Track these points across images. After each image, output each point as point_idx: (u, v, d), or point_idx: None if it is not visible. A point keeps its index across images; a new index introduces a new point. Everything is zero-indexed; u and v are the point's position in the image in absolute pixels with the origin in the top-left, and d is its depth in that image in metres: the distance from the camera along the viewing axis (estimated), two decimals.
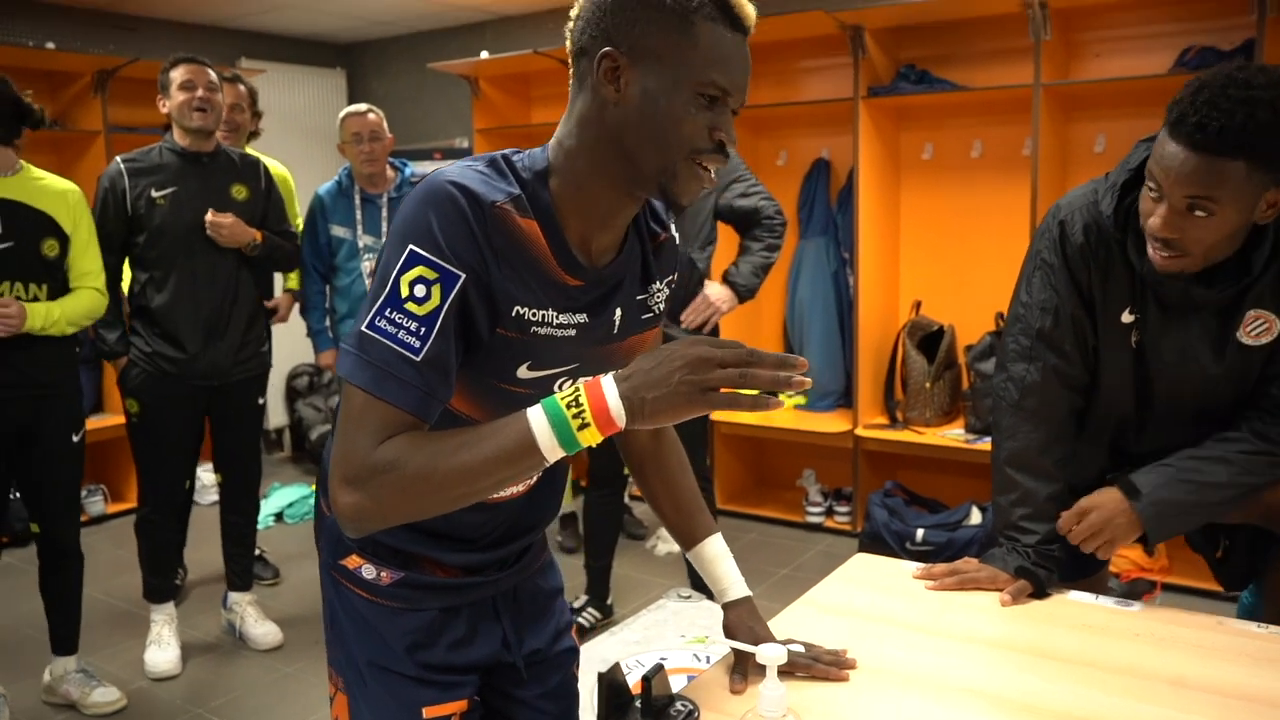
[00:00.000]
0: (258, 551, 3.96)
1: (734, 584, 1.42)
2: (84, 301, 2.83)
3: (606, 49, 1.07)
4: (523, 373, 1.15)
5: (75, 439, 2.89)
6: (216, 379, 3.22)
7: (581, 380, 1.02)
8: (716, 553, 1.43)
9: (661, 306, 1.29)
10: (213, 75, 3.16)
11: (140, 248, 3.11)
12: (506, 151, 1.15)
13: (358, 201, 3.78)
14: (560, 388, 1.19)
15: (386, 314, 1.03)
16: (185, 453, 3.28)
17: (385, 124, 3.77)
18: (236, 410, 3.33)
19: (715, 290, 3.12)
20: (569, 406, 0.99)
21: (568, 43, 1.14)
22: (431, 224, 1.04)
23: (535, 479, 1.31)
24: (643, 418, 0.98)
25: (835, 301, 4.61)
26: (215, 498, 4.96)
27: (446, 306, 1.04)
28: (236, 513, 3.46)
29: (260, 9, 5.52)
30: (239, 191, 3.23)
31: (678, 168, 1.08)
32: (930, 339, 4.31)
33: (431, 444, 1.02)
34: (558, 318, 1.13)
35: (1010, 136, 4.21)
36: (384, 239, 3.76)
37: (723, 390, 0.98)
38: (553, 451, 1.00)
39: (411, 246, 1.04)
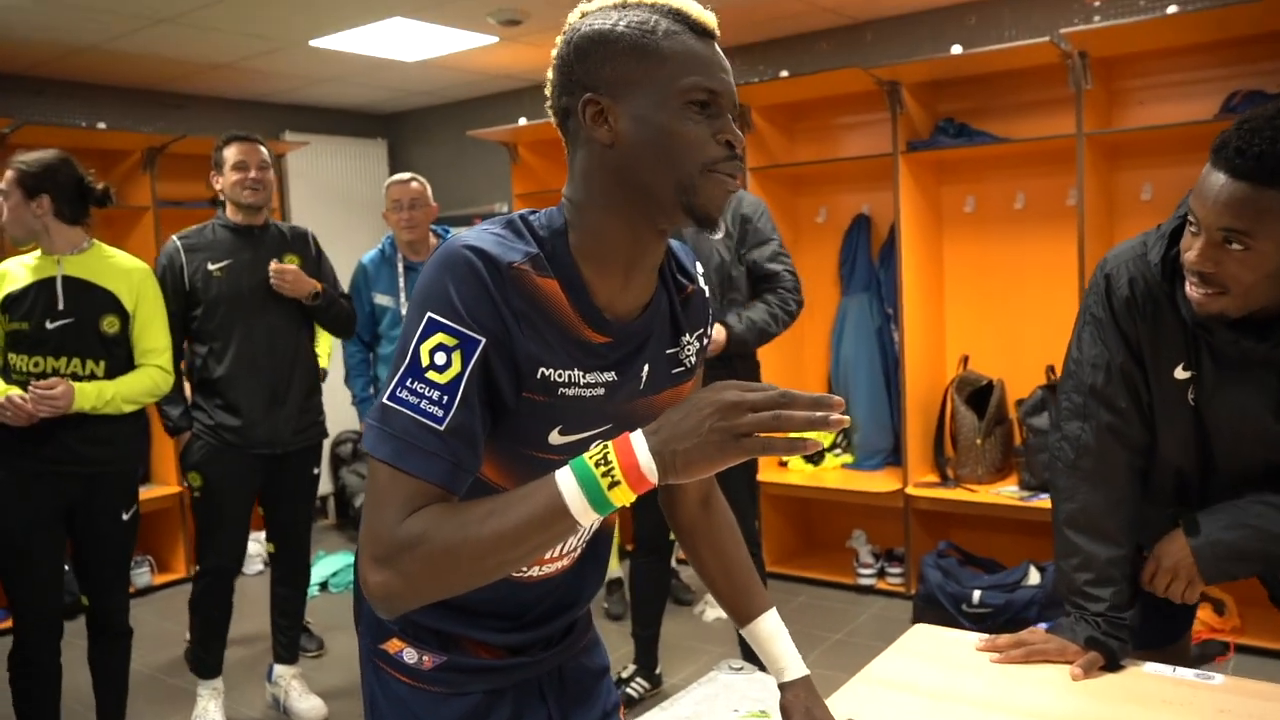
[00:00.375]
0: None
1: (791, 663, 1.35)
2: (145, 380, 2.84)
3: (586, 96, 1.07)
4: (554, 438, 1.12)
5: (125, 517, 2.89)
6: (278, 447, 3.23)
7: (609, 441, 0.98)
8: (771, 630, 1.37)
9: (694, 359, 1.25)
10: (264, 153, 3.25)
11: (199, 320, 3.16)
12: (524, 212, 1.13)
13: (401, 270, 3.80)
14: None
15: (408, 384, 1.02)
16: (244, 524, 3.29)
17: (429, 192, 3.80)
18: (293, 480, 3.34)
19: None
20: (598, 465, 0.95)
21: (551, 118, 1.14)
22: (448, 289, 1.02)
23: (579, 551, 1.27)
24: (675, 471, 0.94)
25: (880, 358, 4.55)
26: (260, 567, 4.98)
27: (468, 373, 1.01)
28: (287, 585, 3.43)
29: (303, 83, 5.65)
30: (291, 260, 3.28)
31: (695, 181, 1.06)
32: (979, 394, 4.22)
33: (459, 514, 0.99)
34: (584, 377, 1.10)
35: (1053, 187, 4.16)
36: None
37: (757, 435, 0.94)
38: (584, 514, 0.96)
39: (430, 314, 1.02)
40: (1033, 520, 3.95)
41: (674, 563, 4.64)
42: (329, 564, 4.93)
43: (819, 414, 0.93)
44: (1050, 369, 4.01)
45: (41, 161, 2.71)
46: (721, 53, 1.09)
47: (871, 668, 1.63)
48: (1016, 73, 4.14)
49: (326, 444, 6.02)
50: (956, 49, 4.00)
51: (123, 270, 2.84)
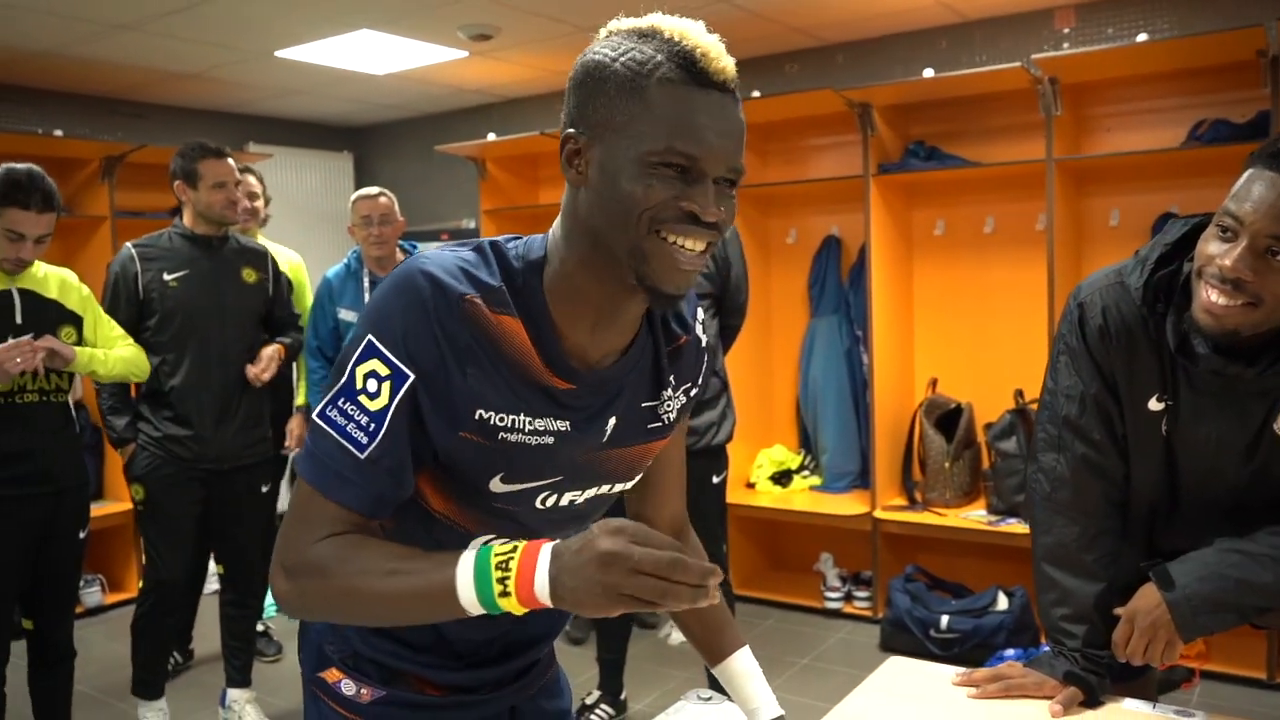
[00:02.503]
0: (261, 627, 3.87)
1: (765, 704, 1.29)
2: (127, 352, 2.86)
3: (568, 131, 1.00)
4: (496, 485, 1.06)
5: (81, 535, 2.83)
6: (225, 462, 3.16)
7: (523, 543, 0.93)
8: (744, 669, 1.31)
9: (674, 416, 1.17)
10: (236, 170, 3.22)
11: (152, 331, 3.09)
12: (504, 238, 1.07)
13: (367, 284, 3.73)
14: (542, 502, 1.10)
15: (339, 404, 1.00)
16: (191, 540, 3.20)
17: (396, 207, 3.74)
18: (242, 496, 3.25)
19: None
20: (498, 567, 0.92)
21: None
22: (393, 314, 0.99)
23: None
24: (566, 604, 0.90)
25: (849, 380, 4.53)
26: (217, 586, 4.86)
27: (394, 406, 0.98)
28: (237, 605, 3.33)
29: (267, 95, 5.56)
30: (249, 275, 3.23)
31: (644, 246, 0.96)
32: (948, 417, 4.21)
33: (365, 558, 0.98)
34: (531, 423, 1.03)
35: (1023, 212, 4.17)
36: None
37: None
38: (473, 608, 0.93)
39: (370, 336, 0.99)
40: (1000, 545, 3.94)
41: None
42: None
43: (703, 592, 0.88)
44: (1019, 393, 4.01)
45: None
46: (733, 108, 0.98)
47: (845, 705, 1.58)
48: (987, 97, 4.15)
49: (286, 460, 5.94)
50: (928, 72, 4.00)
51: (61, 281, 2.82)
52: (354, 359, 0.99)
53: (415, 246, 3.91)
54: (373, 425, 0.98)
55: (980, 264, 4.31)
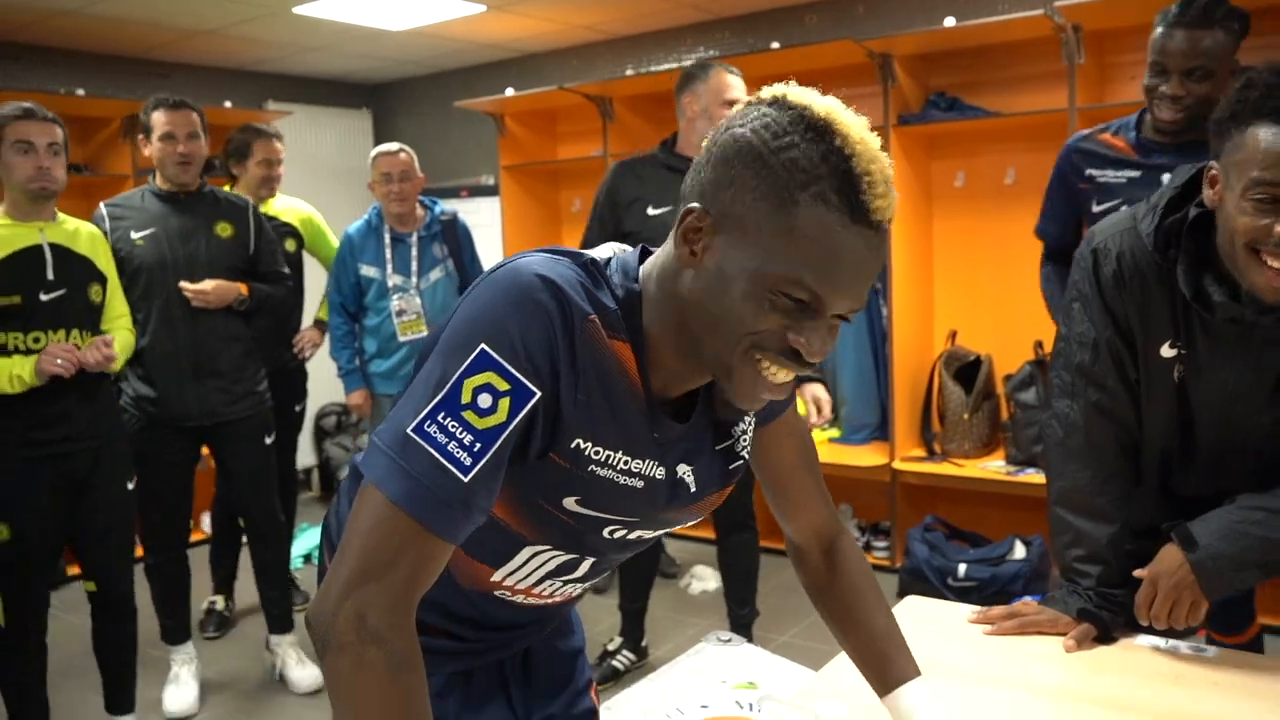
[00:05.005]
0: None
1: None
2: (125, 340, 2.83)
3: (694, 204, 0.91)
4: (570, 504, 1.00)
5: (130, 486, 2.84)
6: (207, 419, 3.16)
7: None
8: (912, 706, 1.17)
9: (750, 448, 1.13)
10: (195, 120, 3.10)
11: (124, 290, 3.03)
12: (595, 256, 1.00)
13: (387, 240, 3.76)
14: (611, 534, 1.05)
15: (439, 419, 0.88)
16: (179, 497, 3.23)
17: (416, 163, 3.76)
18: (242, 449, 3.27)
19: None
20: None
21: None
22: (512, 324, 0.89)
23: (579, 592, 1.21)
24: None
25: (868, 332, 4.53)
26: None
27: (512, 425, 0.89)
28: (267, 554, 3.39)
29: (287, 52, 5.56)
30: (223, 229, 3.19)
31: (734, 364, 0.91)
32: (967, 369, 4.22)
33: (400, 689, 0.86)
34: (629, 463, 0.97)
35: (1044, 163, 4.09)
36: (413, 278, 3.77)
37: None
38: None
39: (484, 346, 0.88)
40: (1019, 495, 3.96)
41: None
42: (312, 536, 4.90)
43: None
44: (1039, 344, 4.00)
45: None
46: (880, 249, 0.89)
47: None
48: (1009, 46, 4.11)
49: (310, 416, 6.03)
50: (949, 21, 3.96)
51: (92, 236, 2.79)
52: (461, 370, 0.88)
53: (435, 203, 3.92)
54: (480, 446, 0.88)
55: (1001, 215, 4.28)
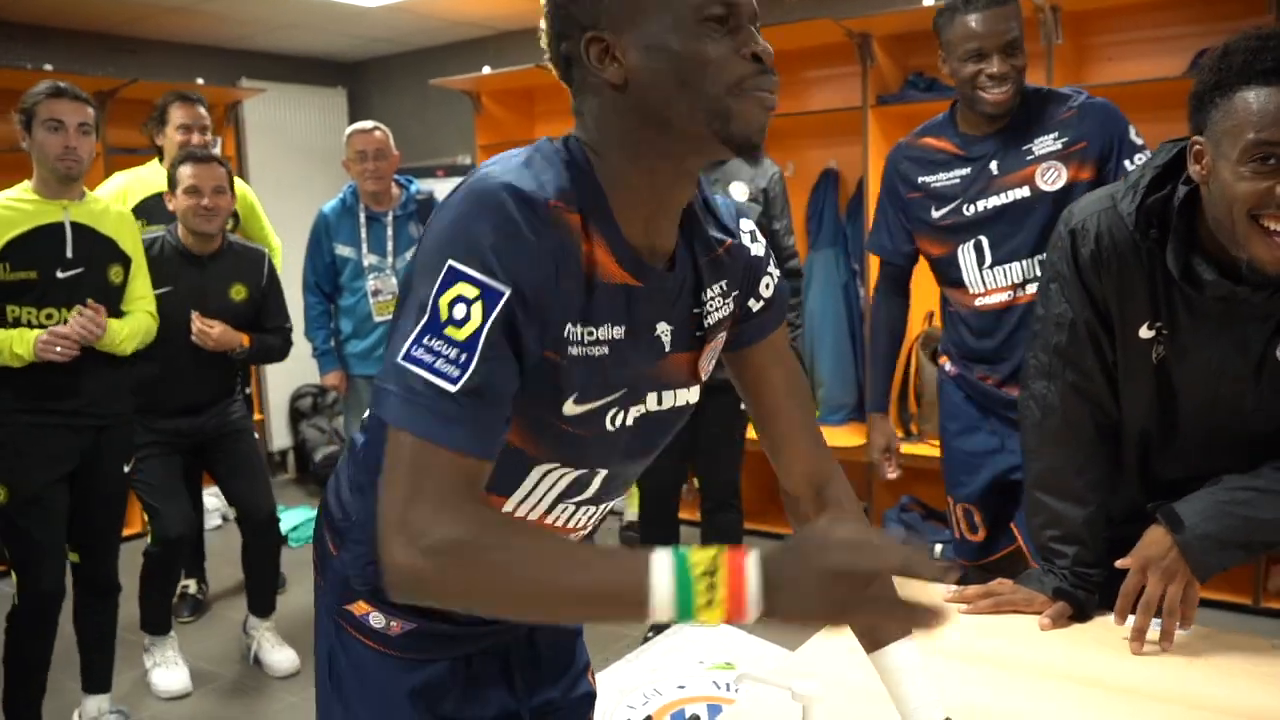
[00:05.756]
0: None
1: (921, 705, 1.12)
2: (142, 323, 2.80)
3: (588, 35, 0.96)
4: (570, 408, 1.02)
5: (127, 469, 2.85)
6: (196, 437, 3.22)
7: (721, 550, 0.85)
8: (901, 663, 1.13)
9: (717, 317, 1.13)
10: (222, 174, 3.10)
11: None
12: (544, 139, 1.03)
13: (363, 220, 3.73)
14: (612, 421, 1.06)
15: (424, 341, 0.91)
16: (180, 495, 3.22)
17: (391, 141, 3.72)
18: (228, 454, 3.30)
19: None
20: (702, 575, 0.83)
21: (553, 70, 1.04)
22: (475, 233, 0.91)
23: (593, 522, 1.20)
24: (784, 616, 0.84)
25: (846, 313, 4.54)
26: (218, 522, 4.92)
27: (488, 326, 0.91)
28: (255, 537, 3.37)
29: (261, 29, 5.49)
30: (237, 292, 3.20)
31: (727, 105, 0.95)
32: None
33: (524, 543, 0.89)
34: (594, 333, 1.00)
35: None
36: (389, 258, 3.74)
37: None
38: (663, 615, 0.85)
39: (450, 262, 0.91)
40: None
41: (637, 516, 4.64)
42: (289, 518, 4.87)
43: (939, 616, 0.87)
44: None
45: None
46: None
47: None
48: None
49: (285, 398, 5.99)
50: (928, 1, 3.95)
51: (119, 217, 2.78)
52: (434, 291, 0.91)
53: (411, 181, 3.90)
54: (464, 355, 0.90)
55: None
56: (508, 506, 1.10)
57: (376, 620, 1.18)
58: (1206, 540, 1.48)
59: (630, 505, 4.55)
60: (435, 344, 0.91)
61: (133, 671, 3.27)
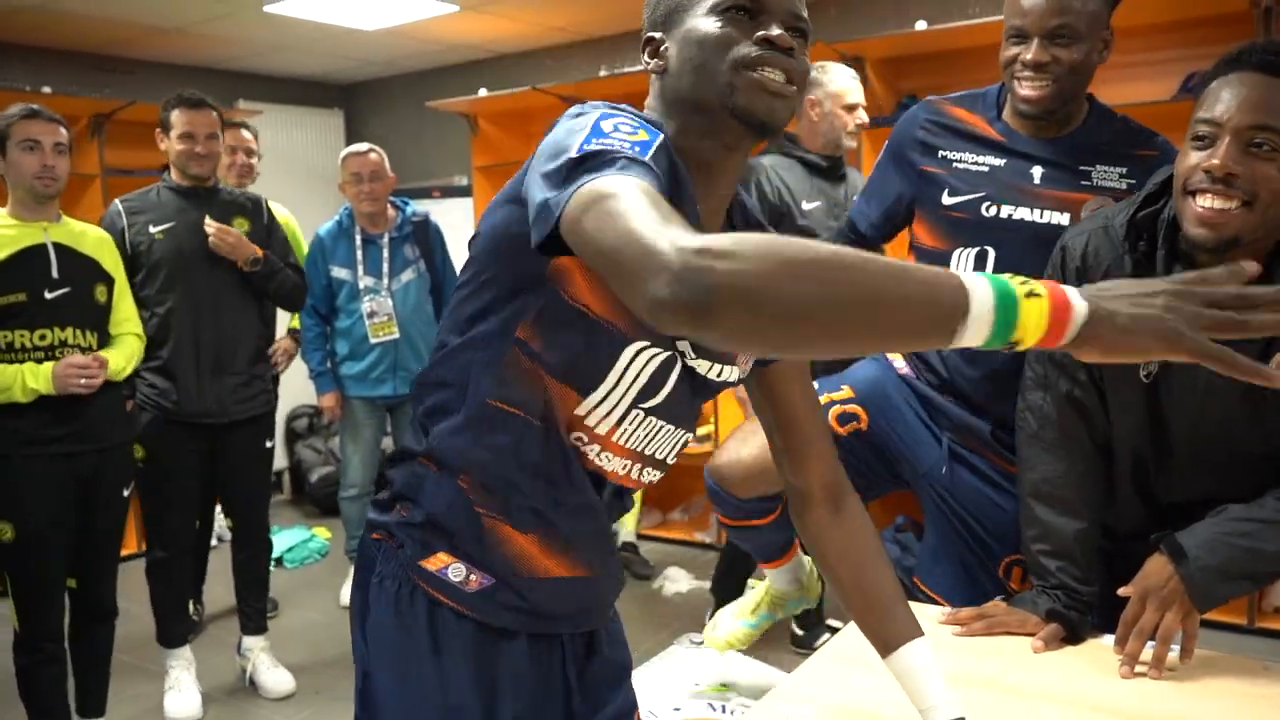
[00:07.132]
0: None
1: (940, 703, 1.14)
2: (131, 348, 2.82)
3: (646, 36, 1.12)
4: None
5: (125, 493, 2.84)
6: (222, 416, 3.16)
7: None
8: (917, 664, 1.16)
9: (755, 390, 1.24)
10: (215, 120, 3.14)
11: (141, 285, 3.06)
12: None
13: (359, 242, 3.74)
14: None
15: (600, 132, 0.93)
16: (192, 495, 3.22)
17: (387, 163, 3.74)
18: (244, 450, 3.26)
19: None
20: (1022, 284, 0.81)
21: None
22: (616, 109, 1.01)
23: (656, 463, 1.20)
24: (1105, 331, 0.81)
25: None
26: (221, 539, 4.90)
27: (657, 142, 0.96)
28: (249, 556, 3.37)
29: (257, 51, 5.52)
30: (240, 224, 3.19)
31: (731, 81, 1.03)
32: None
33: (816, 244, 0.79)
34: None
35: None
36: (384, 280, 3.75)
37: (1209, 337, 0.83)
38: (977, 328, 0.79)
39: (601, 112, 0.99)
40: None
41: (636, 536, 4.64)
42: (284, 539, 4.86)
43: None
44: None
45: None
46: None
47: (834, 643, 1.63)
48: (980, 50, 4.12)
49: (281, 418, 5.98)
50: (921, 25, 3.99)
51: (99, 238, 2.80)
52: (592, 123, 0.95)
53: (407, 203, 3.91)
54: (638, 148, 0.92)
55: None
56: (580, 409, 1.11)
57: (456, 573, 1.14)
58: (1208, 572, 1.47)
59: (626, 524, 4.55)
60: (612, 135, 0.93)
61: (133, 692, 3.24)
